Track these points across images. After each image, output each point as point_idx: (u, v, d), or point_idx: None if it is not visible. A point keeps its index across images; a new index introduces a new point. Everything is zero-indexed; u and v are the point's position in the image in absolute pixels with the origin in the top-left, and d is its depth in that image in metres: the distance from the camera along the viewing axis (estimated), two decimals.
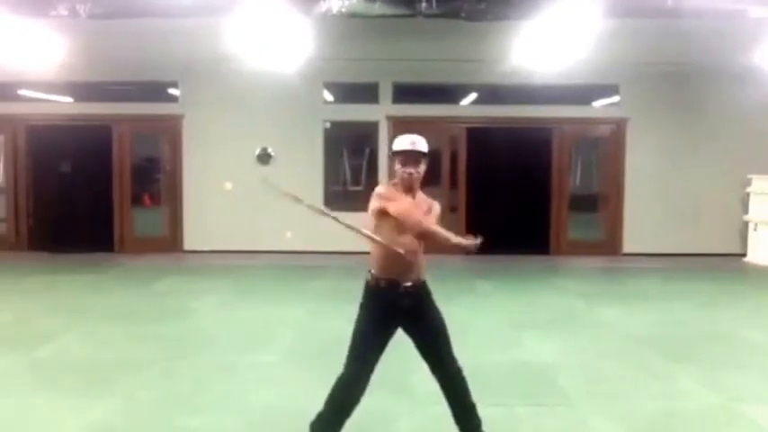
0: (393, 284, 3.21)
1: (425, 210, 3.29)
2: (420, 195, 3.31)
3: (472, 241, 3.15)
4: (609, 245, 10.56)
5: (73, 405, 4.13)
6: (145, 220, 10.89)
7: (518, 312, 6.81)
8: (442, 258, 9.68)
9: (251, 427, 3.84)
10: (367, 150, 10.65)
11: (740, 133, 10.27)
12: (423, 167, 3.23)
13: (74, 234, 10.26)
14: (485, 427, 3.37)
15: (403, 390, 4.26)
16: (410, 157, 3.21)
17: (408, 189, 3.25)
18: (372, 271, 3.27)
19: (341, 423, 3.24)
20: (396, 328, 3.28)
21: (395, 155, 3.25)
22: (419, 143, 3.23)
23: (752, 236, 10.06)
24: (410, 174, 3.21)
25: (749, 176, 10.03)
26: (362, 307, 3.29)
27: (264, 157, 10.41)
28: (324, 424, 3.24)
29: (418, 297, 3.26)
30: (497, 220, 10.36)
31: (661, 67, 10.04)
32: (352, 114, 10.56)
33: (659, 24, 8.82)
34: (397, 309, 3.22)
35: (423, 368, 3.42)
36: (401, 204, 3.18)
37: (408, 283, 3.22)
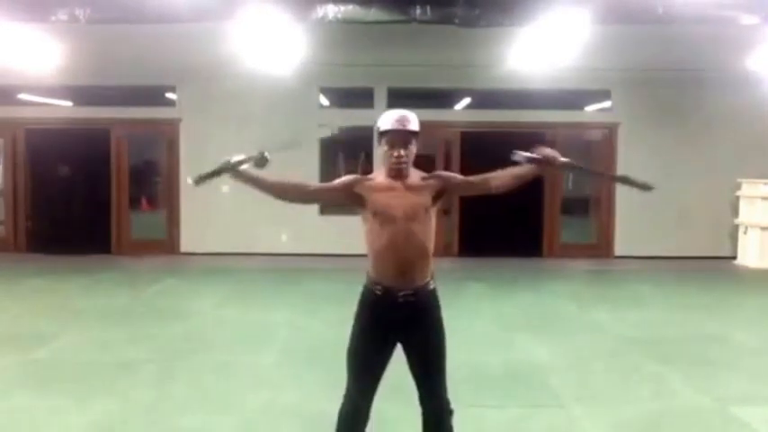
0: (389, 293, 2.70)
1: (417, 194, 2.74)
2: (414, 177, 2.78)
3: None
4: (600, 248, 10.65)
5: (70, 406, 4.18)
6: (142, 223, 10.97)
7: (510, 314, 6.86)
8: (434, 260, 9.71)
9: (248, 427, 3.89)
10: (362, 154, 10.74)
11: (730, 137, 10.33)
12: (413, 149, 2.72)
13: (72, 236, 10.32)
14: (477, 426, 3.32)
15: (403, 394, 4.26)
16: (398, 137, 2.68)
17: (397, 174, 2.73)
18: (369, 274, 2.78)
19: None
20: (396, 341, 2.80)
21: (381, 135, 2.72)
22: (409, 121, 2.70)
23: (742, 239, 10.17)
24: (398, 157, 2.69)
25: (739, 180, 10.13)
26: (356, 318, 2.80)
27: (261, 161, 10.43)
28: None
29: (418, 307, 2.73)
30: (490, 223, 10.45)
31: (652, 72, 10.12)
32: (347, 119, 10.64)
33: (650, 31, 8.90)
34: (392, 322, 2.72)
35: None
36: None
37: (408, 291, 2.70)
